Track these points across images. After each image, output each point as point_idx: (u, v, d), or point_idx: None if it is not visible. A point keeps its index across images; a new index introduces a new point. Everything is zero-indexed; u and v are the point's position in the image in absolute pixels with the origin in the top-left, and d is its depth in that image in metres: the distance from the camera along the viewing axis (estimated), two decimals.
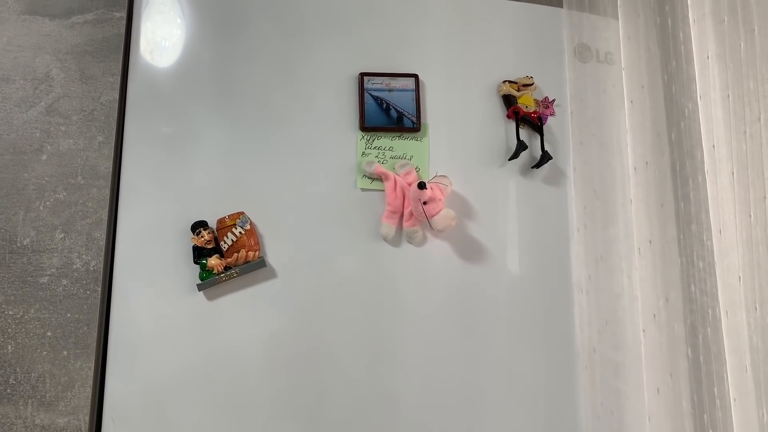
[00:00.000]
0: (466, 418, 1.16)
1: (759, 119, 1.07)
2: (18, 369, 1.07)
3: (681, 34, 1.13)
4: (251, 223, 1.14)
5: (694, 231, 1.10)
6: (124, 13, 1.22)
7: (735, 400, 1.01)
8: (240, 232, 1.12)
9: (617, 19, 1.29)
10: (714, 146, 1.06)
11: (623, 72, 1.24)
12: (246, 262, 1.12)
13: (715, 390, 1.03)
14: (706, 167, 1.06)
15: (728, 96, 1.08)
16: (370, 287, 1.17)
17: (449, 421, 1.15)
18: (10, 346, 1.07)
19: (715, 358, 1.05)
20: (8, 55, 1.17)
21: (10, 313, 1.08)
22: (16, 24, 1.19)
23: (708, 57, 1.08)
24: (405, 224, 1.18)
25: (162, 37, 1.21)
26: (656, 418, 1.11)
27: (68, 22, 1.21)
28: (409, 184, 1.17)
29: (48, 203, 1.13)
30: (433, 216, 1.14)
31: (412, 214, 1.17)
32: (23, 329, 1.08)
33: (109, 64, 1.20)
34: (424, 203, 1.13)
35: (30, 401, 1.06)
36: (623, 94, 1.24)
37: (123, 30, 1.22)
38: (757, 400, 1.01)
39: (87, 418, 1.07)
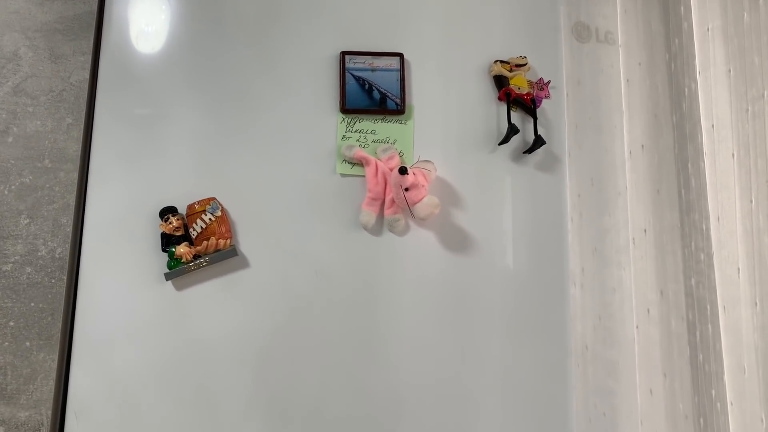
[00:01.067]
0: (452, 416, 1.10)
1: (763, 96, 0.99)
2: None
3: (681, 8, 1.05)
4: (223, 210, 1.09)
5: (694, 219, 1.02)
6: None
7: (732, 404, 0.93)
8: (210, 219, 1.07)
9: None
10: (713, 126, 0.99)
11: (620, 49, 1.16)
12: (216, 250, 1.07)
13: (713, 392, 0.96)
14: (705, 149, 0.99)
15: (729, 71, 1.00)
16: (349, 278, 1.12)
17: (435, 418, 1.09)
18: None
19: (715, 357, 0.98)
20: None
21: None
22: None
23: (708, 29, 1.01)
24: (386, 212, 1.12)
25: (135, 15, 1.16)
26: (649, 421, 1.03)
27: None
28: (392, 170, 1.10)
29: (13, 187, 1.09)
30: (415, 203, 1.07)
31: (394, 201, 1.11)
32: None
33: (80, 42, 1.16)
34: (406, 189, 1.07)
35: None
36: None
37: (95, 7, 1.18)
38: (759, 404, 0.94)
39: (49, 413, 1.03)
